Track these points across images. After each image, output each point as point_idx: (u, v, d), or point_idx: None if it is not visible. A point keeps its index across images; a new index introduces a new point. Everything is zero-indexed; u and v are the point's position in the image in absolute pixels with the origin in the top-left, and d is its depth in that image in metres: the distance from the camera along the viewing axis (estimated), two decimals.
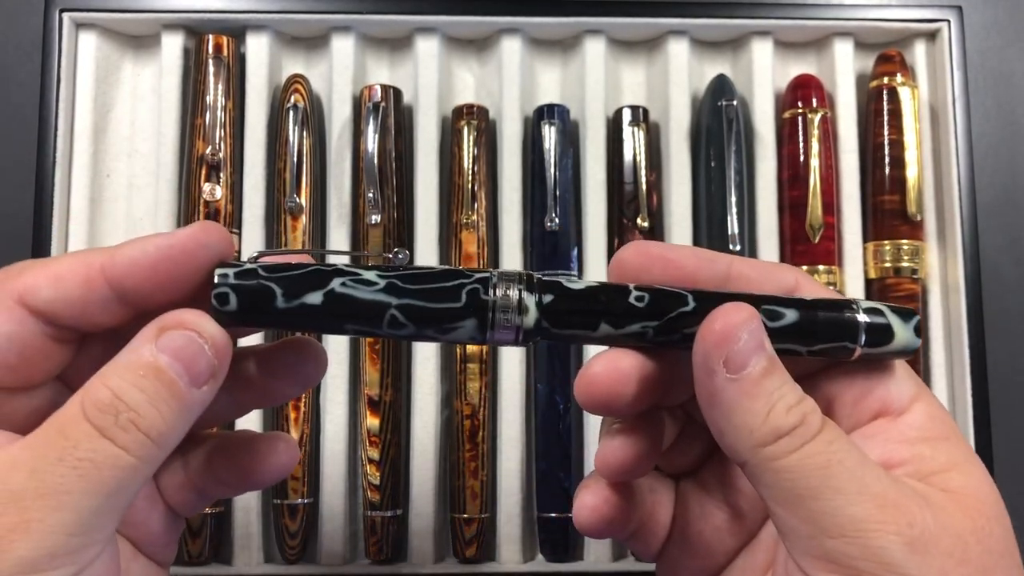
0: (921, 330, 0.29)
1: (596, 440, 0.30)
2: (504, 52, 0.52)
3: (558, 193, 0.50)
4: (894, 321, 0.27)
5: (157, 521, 0.30)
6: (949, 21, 0.52)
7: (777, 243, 0.51)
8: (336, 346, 0.49)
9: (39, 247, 0.48)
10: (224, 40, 0.50)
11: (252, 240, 0.50)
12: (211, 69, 0.50)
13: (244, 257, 0.29)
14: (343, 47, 0.52)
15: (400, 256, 0.29)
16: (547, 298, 0.27)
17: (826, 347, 0.27)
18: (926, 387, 0.28)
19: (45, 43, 0.49)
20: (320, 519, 0.49)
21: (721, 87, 0.51)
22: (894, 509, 0.24)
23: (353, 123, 0.51)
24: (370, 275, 0.27)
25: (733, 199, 0.50)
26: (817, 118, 0.51)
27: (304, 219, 0.50)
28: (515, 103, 0.52)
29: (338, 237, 0.50)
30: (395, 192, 0.50)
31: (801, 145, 0.51)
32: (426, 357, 0.50)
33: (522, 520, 0.49)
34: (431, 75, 0.52)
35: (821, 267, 0.50)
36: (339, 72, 0.52)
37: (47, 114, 0.49)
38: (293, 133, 0.50)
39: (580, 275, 0.51)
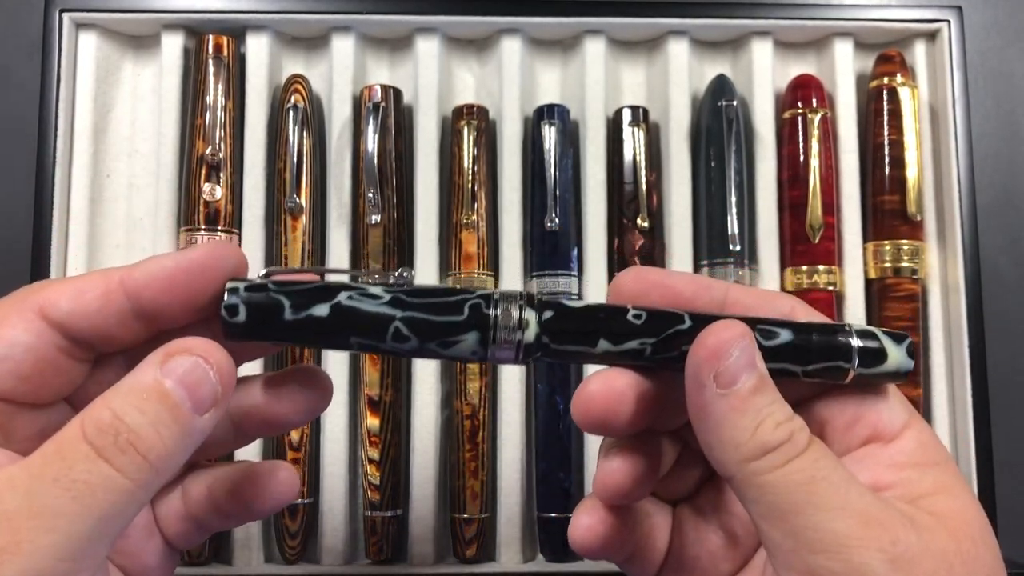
0: (914, 353, 0.29)
1: (597, 440, 0.30)
2: (504, 52, 0.52)
3: (558, 193, 0.50)
4: (887, 343, 0.28)
5: (153, 553, 0.30)
6: (949, 21, 0.52)
7: (777, 243, 0.51)
8: None
9: (39, 247, 0.48)
10: (224, 40, 0.50)
11: (252, 240, 0.50)
12: (211, 69, 0.50)
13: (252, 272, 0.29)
14: (343, 47, 0.52)
15: (405, 275, 0.30)
16: (547, 314, 0.28)
17: (820, 367, 0.28)
18: (918, 414, 0.29)
19: (45, 43, 0.49)
20: (320, 519, 0.49)
21: (721, 87, 0.51)
22: (878, 526, 0.24)
23: (353, 123, 0.51)
24: (376, 289, 0.28)
25: (733, 199, 0.50)
26: (817, 118, 0.51)
27: (304, 219, 0.50)
28: (515, 103, 0.52)
29: (338, 237, 0.50)
30: (395, 192, 0.50)
31: (801, 145, 0.51)
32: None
33: (522, 520, 0.49)
34: (431, 75, 0.52)
35: (821, 267, 0.50)
36: (339, 72, 0.52)
37: (47, 114, 0.49)
38: (293, 133, 0.50)
39: (580, 275, 0.51)
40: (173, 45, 0.51)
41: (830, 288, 0.50)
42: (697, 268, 0.51)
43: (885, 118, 0.51)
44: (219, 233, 0.49)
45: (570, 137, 0.52)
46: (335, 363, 0.49)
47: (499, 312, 0.28)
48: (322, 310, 0.27)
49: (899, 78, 0.51)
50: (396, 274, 0.29)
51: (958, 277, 0.50)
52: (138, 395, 0.25)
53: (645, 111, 0.52)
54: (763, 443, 0.25)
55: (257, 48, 0.51)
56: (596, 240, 0.51)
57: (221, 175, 0.49)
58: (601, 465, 0.29)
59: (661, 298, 0.29)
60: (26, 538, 0.23)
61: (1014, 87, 0.56)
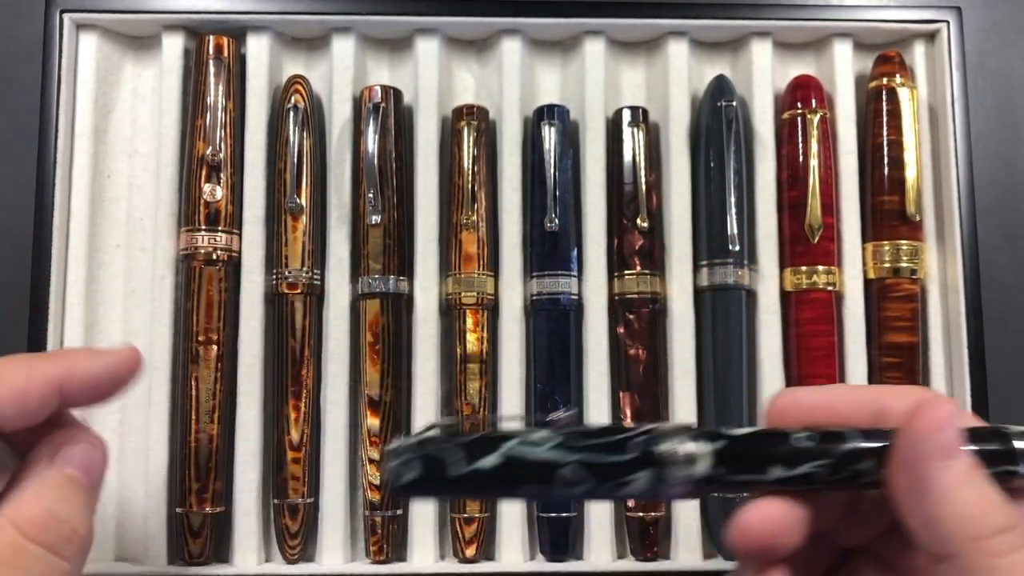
0: None
1: None
2: (504, 53, 0.52)
3: (558, 193, 0.51)
4: None
5: None
6: (948, 22, 0.52)
7: (776, 243, 0.51)
8: (336, 346, 0.49)
9: (40, 247, 0.48)
10: (224, 41, 0.50)
11: (252, 240, 0.50)
12: (211, 70, 0.50)
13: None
14: (343, 48, 0.52)
15: (569, 412, 0.30)
16: (716, 445, 0.28)
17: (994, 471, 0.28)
18: None
19: (46, 44, 0.49)
20: (320, 519, 0.49)
21: (720, 88, 0.52)
22: None
23: (353, 124, 0.51)
24: (539, 435, 0.28)
25: (732, 199, 0.50)
26: (816, 119, 0.51)
27: (304, 219, 0.50)
28: (515, 104, 0.52)
29: (338, 237, 0.50)
30: (395, 192, 0.50)
31: (800, 146, 0.51)
32: (426, 357, 0.50)
33: (522, 520, 0.49)
34: (431, 76, 0.52)
35: (820, 267, 0.50)
36: (339, 73, 0.52)
37: (48, 115, 0.49)
38: (293, 134, 0.50)
39: (580, 275, 0.51)
40: (174, 46, 0.51)
41: (829, 288, 0.50)
42: (697, 268, 0.51)
43: (884, 118, 0.51)
44: (219, 233, 0.49)
45: (570, 137, 0.52)
46: (335, 363, 0.49)
47: (667, 449, 0.27)
48: (491, 461, 0.27)
49: (898, 79, 0.51)
50: (562, 414, 0.30)
51: (957, 277, 0.50)
52: (55, 489, 0.28)
53: (645, 111, 0.52)
54: (996, 523, 0.25)
55: (257, 49, 0.51)
56: (596, 240, 0.51)
57: (221, 175, 0.49)
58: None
59: (822, 419, 0.30)
60: None
61: (1013, 87, 0.56)
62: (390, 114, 0.51)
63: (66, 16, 0.50)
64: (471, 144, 0.51)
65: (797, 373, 0.50)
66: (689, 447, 0.28)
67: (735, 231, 0.50)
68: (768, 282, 0.51)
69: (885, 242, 0.51)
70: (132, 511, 0.49)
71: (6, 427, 0.29)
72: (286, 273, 0.49)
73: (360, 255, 0.50)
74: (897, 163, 0.51)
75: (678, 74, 0.52)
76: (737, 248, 0.50)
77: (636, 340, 0.50)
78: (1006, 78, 0.57)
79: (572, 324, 0.50)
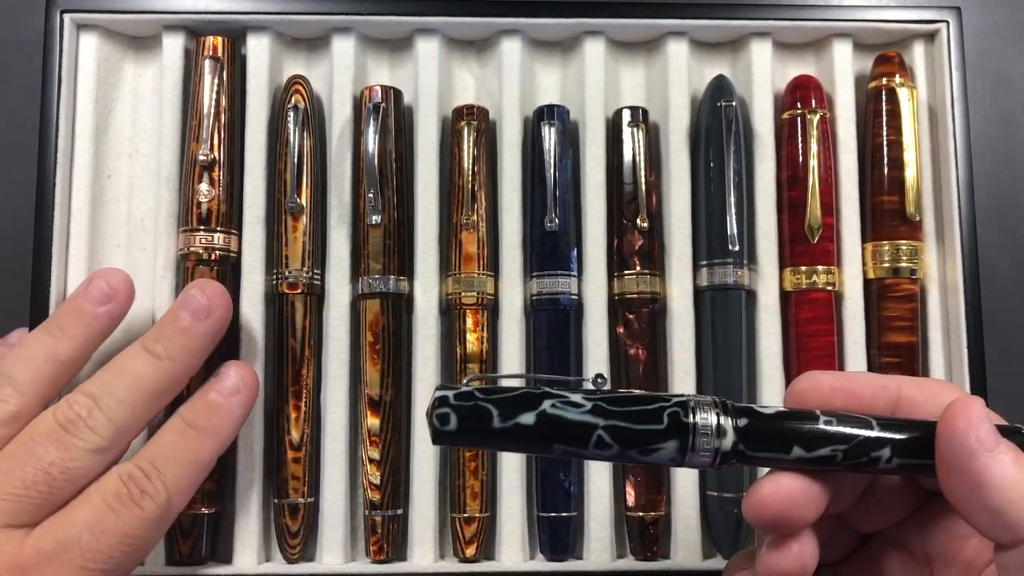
0: None
1: None
2: (504, 53, 0.52)
3: (558, 193, 0.51)
4: None
5: None
6: (948, 22, 0.52)
7: (776, 243, 0.51)
8: (336, 346, 0.49)
9: (40, 247, 0.48)
10: (224, 41, 0.50)
11: (252, 240, 0.50)
12: (209, 70, 0.50)
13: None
14: (343, 48, 0.52)
15: (600, 381, 0.31)
16: (742, 421, 0.29)
17: None
18: None
19: (46, 44, 0.49)
20: (320, 519, 0.49)
21: (720, 88, 0.52)
22: None
23: (353, 124, 0.51)
24: (576, 397, 0.29)
25: (732, 200, 0.50)
26: (816, 119, 0.51)
27: (304, 219, 0.50)
28: (515, 104, 0.52)
29: (338, 238, 0.50)
30: (395, 193, 0.50)
31: (800, 146, 0.51)
32: (426, 357, 0.50)
33: (522, 520, 0.49)
34: (431, 76, 0.52)
35: (820, 267, 0.50)
36: (340, 73, 0.52)
37: (48, 115, 0.49)
38: (294, 134, 0.50)
39: (580, 275, 0.51)
40: (174, 46, 0.51)
41: (829, 288, 0.50)
42: (696, 268, 0.51)
43: (884, 119, 0.51)
44: (217, 233, 0.49)
45: (570, 138, 0.52)
46: (335, 363, 0.49)
47: (697, 420, 0.29)
48: (528, 418, 0.29)
49: (898, 79, 0.51)
50: (592, 380, 0.31)
51: (957, 277, 0.50)
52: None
53: (644, 112, 0.52)
54: None
55: (258, 49, 0.51)
56: (596, 240, 0.51)
57: (219, 176, 0.49)
58: (764, 553, 0.30)
59: (843, 403, 0.30)
60: None
61: (1013, 88, 0.56)
62: (390, 114, 0.51)
63: (66, 16, 0.50)
64: (471, 144, 0.51)
65: (797, 373, 0.50)
66: (719, 421, 0.29)
67: (735, 231, 0.50)
68: (768, 282, 0.51)
69: (885, 242, 0.51)
70: None
71: None
72: (286, 273, 0.49)
73: (360, 255, 0.50)
74: (897, 163, 0.51)
75: (678, 74, 0.52)
76: (737, 248, 0.50)
77: (636, 340, 0.50)
78: (1006, 78, 0.57)
79: (572, 324, 0.50)
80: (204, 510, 0.47)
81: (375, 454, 0.49)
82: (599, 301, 0.50)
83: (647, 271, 0.51)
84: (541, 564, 0.49)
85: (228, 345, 0.49)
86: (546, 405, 0.29)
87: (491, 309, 0.51)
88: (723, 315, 0.50)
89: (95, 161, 0.51)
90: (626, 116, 0.52)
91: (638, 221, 0.51)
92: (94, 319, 0.41)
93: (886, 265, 0.50)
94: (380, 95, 0.50)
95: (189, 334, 0.42)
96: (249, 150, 0.51)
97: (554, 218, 0.50)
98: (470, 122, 0.51)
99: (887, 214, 0.51)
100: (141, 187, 0.52)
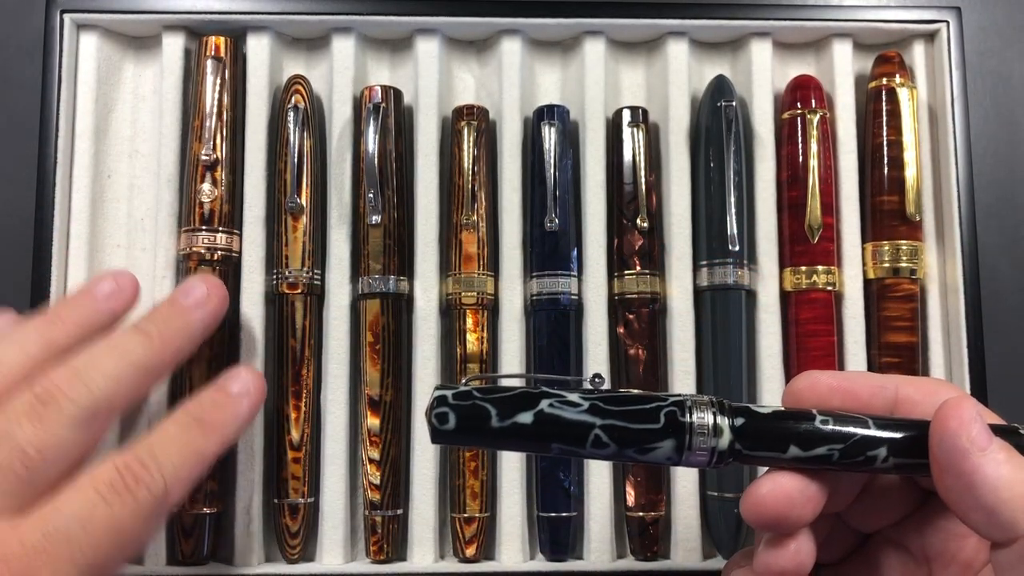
0: None
1: None
2: (504, 53, 0.52)
3: (558, 193, 0.51)
4: None
5: None
6: (948, 22, 0.52)
7: (776, 243, 0.51)
8: (336, 346, 0.49)
9: (40, 247, 0.48)
10: (225, 41, 0.50)
11: (253, 240, 0.50)
12: (211, 70, 0.50)
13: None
14: (344, 48, 0.52)
15: (597, 380, 0.31)
16: (738, 421, 0.29)
17: None
18: None
19: (46, 44, 0.49)
20: (321, 519, 0.49)
21: (720, 88, 0.52)
22: None
23: (353, 124, 0.52)
24: (573, 396, 0.29)
25: (732, 200, 0.50)
26: (816, 119, 0.51)
27: (304, 219, 0.50)
28: (515, 104, 0.52)
29: (338, 237, 0.50)
30: (395, 193, 0.50)
31: (800, 146, 0.51)
32: (426, 357, 0.50)
33: (522, 520, 0.49)
34: (431, 76, 0.52)
35: (820, 267, 0.50)
36: (340, 73, 0.52)
37: (48, 115, 0.49)
38: (294, 134, 0.50)
39: (580, 275, 0.51)
40: (174, 46, 0.51)
41: (829, 288, 0.50)
42: (696, 268, 0.51)
43: (884, 119, 0.51)
44: (219, 233, 0.49)
45: (570, 138, 0.52)
46: (335, 363, 0.49)
47: (694, 420, 0.29)
48: (526, 417, 0.29)
49: (898, 79, 0.51)
50: (590, 379, 0.31)
51: (957, 277, 0.50)
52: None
53: (644, 112, 0.52)
54: None
55: (258, 49, 0.51)
56: (596, 240, 0.51)
57: (220, 176, 0.49)
58: (762, 551, 0.30)
59: (840, 402, 0.30)
60: None
61: (1013, 88, 0.56)
62: (390, 114, 0.51)
63: (66, 16, 0.50)
64: (471, 144, 0.51)
65: (797, 373, 0.50)
66: (715, 420, 0.29)
67: (735, 231, 0.50)
68: (768, 282, 0.51)
69: (885, 242, 0.51)
70: None
71: None
72: (286, 273, 0.49)
73: (360, 255, 0.50)
74: (897, 163, 0.51)
75: (678, 74, 0.52)
76: (737, 248, 0.50)
77: (636, 340, 0.50)
78: (1005, 78, 0.57)
79: (572, 324, 0.50)
80: (205, 510, 0.47)
81: (375, 454, 0.49)
82: (599, 301, 0.50)
83: (647, 271, 0.51)
84: (541, 564, 0.49)
85: (228, 345, 0.49)
86: (544, 405, 0.29)
87: (491, 309, 0.51)
88: (723, 315, 0.50)
89: (95, 161, 0.51)
90: (626, 116, 0.52)
91: (638, 221, 0.51)
92: (95, 311, 0.41)
93: (886, 265, 0.50)
94: (380, 95, 0.50)
95: (183, 317, 0.42)
96: (249, 150, 0.51)
97: (554, 218, 0.50)
98: (470, 122, 0.51)
99: (887, 214, 0.51)
100: (141, 187, 0.52)
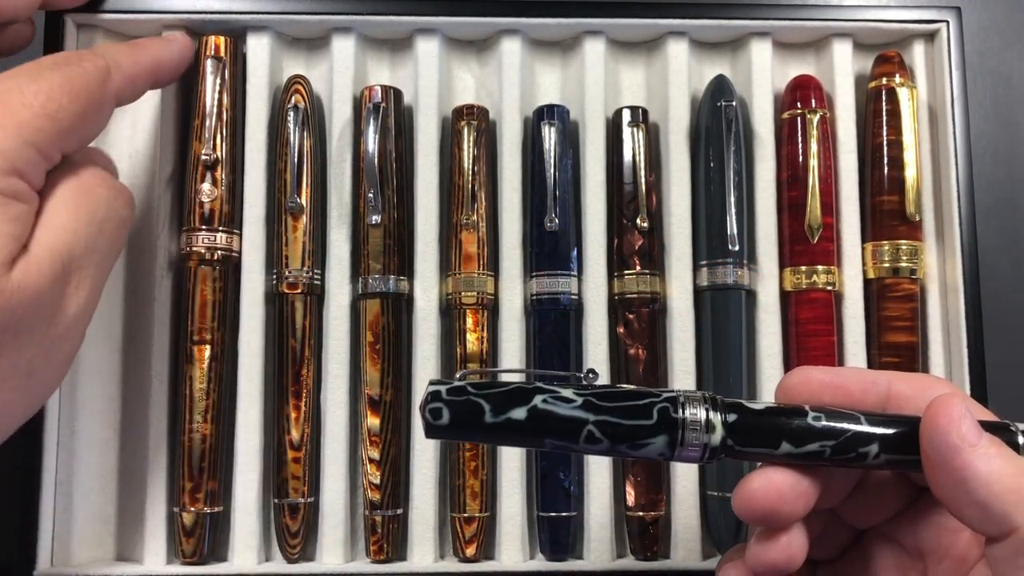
0: None
1: None
2: (504, 53, 0.52)
3: (558, 193, 0.51)
4: None
5: None
6: (948, 22, 0.52)
7: (776, 243, 0.51)
8: (336, 346, 0.49)
9: None
10: (225, 41, 0.50)
11: (253, 240, 0.50)
12: (211, 70, 0.50)
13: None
14: (344, 48, 0.52)
15: (591, 376, 0.31)
16: (731, 417, 0.29)
17: None
18: None
19: (46, 44, 0.49)
20: (321, 518, 0.49)
21: (720, 88, 0.52)
22: None
23: (353, 124, 0.52)
24: (567, 392, 0.30)
25: (732, 199, 0.50)
26: (816, 119, 0.51)
27: (304, 219, 0.50)
28: (515, 104, 0.52)
29: (338, 237, 0.50)
30: (395, 192, 0.51)
31: (800, 146, 0.51)
32: (426, 357, 0.50)
33: (522, 520, 0.49)
34: (431, 76, 0.52)
35: (820, 267, 0.50)
36: (340, 73, 0.52)
37: None
38: (294, 133, 0.50)
39: (580, 275, 0.51)
40: None
41: (829, 288, 0.50)
42: (696, 268, 0.51)
43: (884, 118, 0.51)
44: (219, 233, 0.49)
45: (570, 137, 0.52)
46: (335, 363, 0.49)
47: (686, 416, 0.29)
48: (520, 413, 0.29)
49: (898, 79, 0.51)
50: (583, 375, 0.31)
51: (957, 277, 0.50)
52: None
53: (644, 112, 0.52)
54: None
55: (258, 49, 0.51)
56: (596, 240, 0.51)
57: (219, 175, 0.49)
58: (754, 543, 0.30)
59: (832, 398, 0.31)
60: None
61: (1013, 87, 0.57)
62: (390, 114, 0.51)
63: (67, 16, 0.50)
64: (471, 144, 0.51)
65: None
66: (708, 416, 0.29)
67: (735, 231, 0.50)
68: (768, 282, 0.51)
69: (885, 242, 0.51)
70: (132, 511, 0.49)
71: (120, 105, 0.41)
72: (286, 273, 0.49)
73: (360, 255, 0.50)
74: (897, 163, 0.51)
75: (678, 74, 0.52)
76: (737, 248, 0.50)
77: (636, 340, 0.50)
78: (1005, 78, 0.57)
79: (572, 324, 0.50)
80: (205, 510, 0.47)
81: (375, 454, 0.49)
82: (599, 301, 0.50)
83: (647, 271, 0.51)
84: (541, 564, 0.49)
85: (228, 345, 0.49)
86: (537, 400, 0.29)
87: (491, 309, 0.51)
88: (723, 315, 0.50)
89: None
90: (626, 116, 0.52)
91: (638, 221, 0.51)
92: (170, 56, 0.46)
93: (886, 265, 0.50)
94: (380, 95, 0.50)
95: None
96: (249, 150, 0.51)
97: (554, 218, 0.50)
98: (470, 122, 0.51)
99: (887, 214, 0.51)
100: (141, 187, 0.52)
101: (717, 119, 0.51)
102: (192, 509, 0.47)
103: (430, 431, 0.30)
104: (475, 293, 0.50)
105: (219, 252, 0.49)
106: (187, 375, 0.48)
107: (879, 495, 0.32)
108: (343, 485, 0.49)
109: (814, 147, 0.51)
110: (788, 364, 0.51)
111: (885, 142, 0.51)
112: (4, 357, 0.33)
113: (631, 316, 0.50)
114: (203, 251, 0.49)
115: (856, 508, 0.32)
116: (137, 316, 0.50)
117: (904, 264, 0.50)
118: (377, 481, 0.49)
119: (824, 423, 0.29)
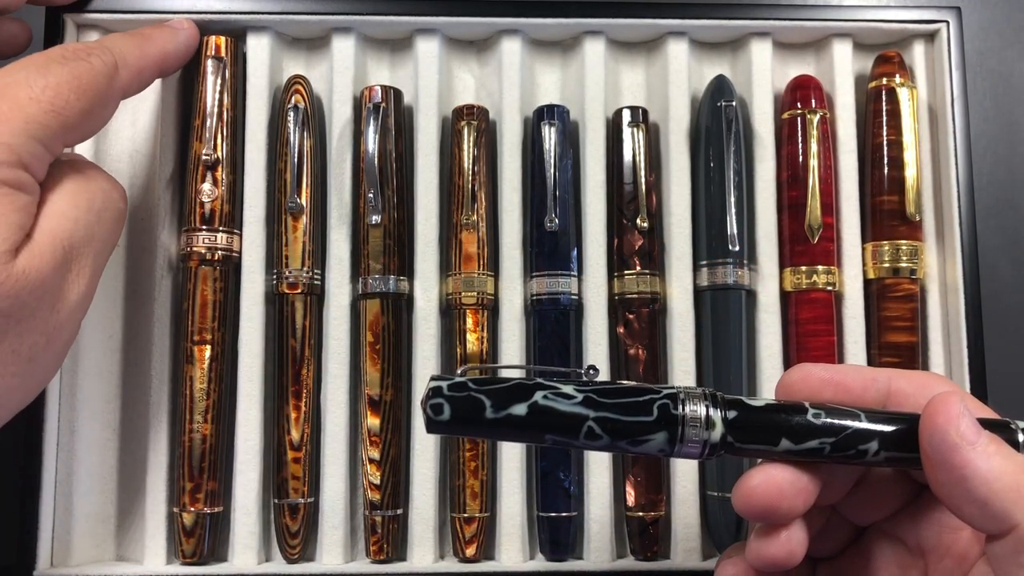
0: None
1: None
2: (504, 53, 0.52)
3: (558, 193, 0.51)
4: None
5: None
6: (948, 22, 0.52)
7: (776, 243, 0.51)
8: (336, 346, 0.49)
9: None
10: (225, 41, 0.50)
11: (253, 240, 0.50)
12: (211, 70, 0.50)
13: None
14: (344, 48, 0.52)
15: (592, 372, 0.31)
16: (731, 414, 0.29)
17: None
18: None
19: (46, 44, 0.49)
20: (321, 519, 0.49)
21: (720, 88, 0.52)
22: None
23: (354, 124, 0.52)
24: (568, 388, 0.30)
25: (732, 200, 0.50)
26: (816, 119, 0.51)
27: (305, 219, 0.50)
28: (515, 104, 0.52)
29: (338, 237, 0.50)
30: (395, 192, 0.51)
31: (800, 146, 0.51)
32: (426, 357, 0.50)
33: (522, 520, 0.49)
34: (431, 76, 0.52)
35: (820, 267, 0.50)
36: (340, 73, 0.52)
37: None
38: (294, 134, 0.50)
39: (580, 275, 0.51)
40: None
41: (829, 288, 0.50)
42: (696, 268, 0.51)
43: (884, 118, 0.51)
44: (219, 233, 0.49)
45: (570, 138, 0.52)
46: (335, 363, 0.49)
47: (686, 412, 0.29)
48: (520, 409, 0.29)
49: (898, 79, 0.51)
50: (584, 371, 0.31)
51: (957, 277, 0.50)
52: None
53: (644, 112, 0.52)
54: None
55: (258, 49, 0.51)
56: (596, 240, 0.51)
57: (219, 175, 0.49)
58: (754, 538, 0.30)
59: (833, 395, 0.31)
60: None
61: (1013, 87, 0.57)
62: (390, 114, 0.51)
63: (67, 16, 0.50)
64: (471, 144, 0.51)
65: None
66: (708, 413, 0.29)
67: (735, 231, 0.50)
68: (768, 282, 0.51)
69: (885, 242, 0.51)
70: (132, 511, 0.49)
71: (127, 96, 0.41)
72: (286, 273, 0.49)
73: (360, 255, 0.50)
74: (897, 163, 0.51)
75: (678, 74, 0.52)
76: (737, 248, 0.50)
77: (636, 340, 0.50)
78: (1005, 78, 0.57)
79: (572, 324, 0.50)
80: (205, 510, 0.47)
81: (375, 454, 0.49)
82: (599, 301, 0.50)
83: (647, 271, 0.51)
84: (541, 564, 0.49)
85: (228, 345, 0.49)
86: (538, 396, 0.29)
87: (491, 309, 0.51)
88: (723, 315, 0.50)
89: (95, 161, 0.51)
90: (626, 116, 0.52)
91: (638, 221, 0.51)
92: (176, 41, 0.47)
93: (886, 265, 0.50)
94: (380, 95, 0.50)
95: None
96: (249, 150, 0.51)
97: (554, 218, 0.50)
98: (470, 122, 0.51)
99: (887, 214, 0.51)
100: (141, 187, 0.52)
101: (717, 119, 0.51)
102: (192, 509, 0.47)
103: (431, 426, 0.30)
104: (475, 293, 0.50)
105: (219, 252, 0.49)
106: (187, 375, 0.48)
107: (880, 492, 0.32)
108: (343, 485, 0.49)
109: (814, 147, 0.51)
110: (788, 364, 0.51)
111: (885, 142, 0.51)
112: (6, 343, 0.34)
113: (631, 316, 0.50)
114: (203, 251, 0.49)
115: (857, 505, 0.32)
116: (137, 316, 0.50)
117: (904, 264, 0.50)
118: (377, 481, 0.49)
119: (824, 420, 0.29)
